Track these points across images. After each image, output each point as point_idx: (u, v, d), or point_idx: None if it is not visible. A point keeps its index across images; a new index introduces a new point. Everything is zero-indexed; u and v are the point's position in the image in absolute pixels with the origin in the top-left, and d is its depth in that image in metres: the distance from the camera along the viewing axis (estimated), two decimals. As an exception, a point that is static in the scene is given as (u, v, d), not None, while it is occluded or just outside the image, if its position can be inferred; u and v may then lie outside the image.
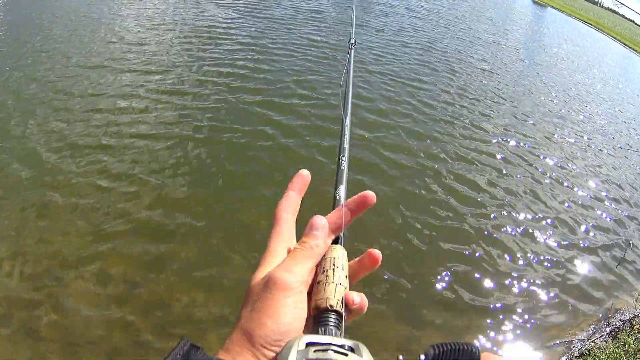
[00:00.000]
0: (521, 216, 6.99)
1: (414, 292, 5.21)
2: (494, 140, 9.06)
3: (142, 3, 17.33)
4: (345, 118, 1.44)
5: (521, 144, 9.29)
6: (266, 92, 9.10)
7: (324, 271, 0.89)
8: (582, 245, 6.83)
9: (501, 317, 5.20)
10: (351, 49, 2.53)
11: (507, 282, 5.72)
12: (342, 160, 1.22)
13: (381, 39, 14.37)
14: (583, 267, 6.40)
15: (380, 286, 5.18)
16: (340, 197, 1.07)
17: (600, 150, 10.65)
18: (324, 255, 0.93)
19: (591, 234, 7.20)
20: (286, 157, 7.15)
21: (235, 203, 6.12)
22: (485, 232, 6.40)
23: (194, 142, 7.30)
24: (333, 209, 1.04)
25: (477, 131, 9.28)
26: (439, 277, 5.48)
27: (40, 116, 8.23)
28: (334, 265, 0.91)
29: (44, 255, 5.13)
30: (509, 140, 9.33)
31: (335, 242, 0.98)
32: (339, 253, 0.94)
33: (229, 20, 14.29)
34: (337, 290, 0.83)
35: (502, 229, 6.57)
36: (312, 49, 11.99)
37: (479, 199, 7.05)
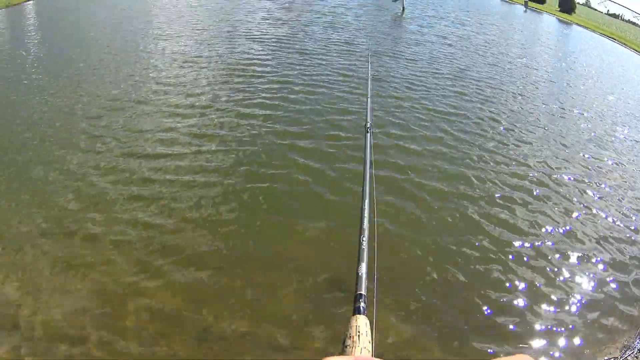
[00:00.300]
0: (561, 255, 6.24)
1: (452, 345, 4.66)
2: (530, 174, 8.23)
3: (173, 39, 17.28)
4: (364, 200, 1.62)
5: (558, 176, 8.42)
6: (300, 134, 8.60)
7: (350, 337, 1.03)
8: (617, 275, 6.13)
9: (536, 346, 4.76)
10: (367, 132, 2.60)
11: (542, 310, 5.20)
12: (362, 240, 1.35)
13: (413, 70, 13.78)
14: (616, 291, 5.80)
15: (417, 343, 4.61)
16: (362, 274, 1.20)
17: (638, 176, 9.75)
18: (349, 324, 1.06)
19: (628, 262, 6.46)
20: (319, 205, 6.60)
21: (268, 257, 5.56)
22: (525, 275, 5.70)
23: (226, 190, 6.83)
24: (356, 285, 1.19)
25: (512, 163, 8.53)
26: (476, 328, 4.90)
27: (65, 159, 7.93)
28: (358, 332, 1.04)
29: (63, 314, 4.66)
30: (546, 172, 8.47)
31: (357, 311, 1.10)
32: (362, 321, 1.06)
33: (262, 56, 13.99)
34: (363, 354, 0.96)
35: (542, 269, 5.87)
36: (344, 84, 11.49)
37: (517, 241, 6.31)
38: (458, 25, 22.24)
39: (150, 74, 12.16)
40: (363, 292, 1.17)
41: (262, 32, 18.39)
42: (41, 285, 5.02)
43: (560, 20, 44.68)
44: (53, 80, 11.93)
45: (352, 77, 12.21)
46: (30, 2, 49.65)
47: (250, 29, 19.15)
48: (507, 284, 5.48)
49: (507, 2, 44.08)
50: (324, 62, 13.49)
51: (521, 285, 5.50)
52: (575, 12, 45.67)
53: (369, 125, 2.73)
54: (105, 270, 5.27)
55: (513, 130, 10.07)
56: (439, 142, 8.96)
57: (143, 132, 8.63)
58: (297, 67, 12.80)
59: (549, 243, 6.38)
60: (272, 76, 11.84)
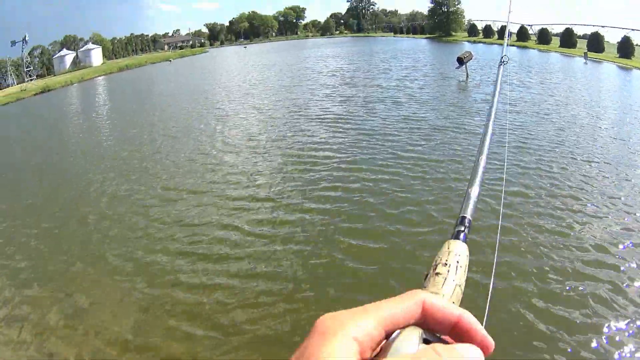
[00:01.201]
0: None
1: None
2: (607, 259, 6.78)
3: (234, 119, 17.68)
4: (489, 121, 1.66)
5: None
6: (365, 233, 7.94)
7: (446, 264, 0.74)
8: None
9: None
10: (501, 65, 2.71)
11: None
12: (479, 159, 1.20)
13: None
14: None
15: None
16: (472, 196, 1.03)
17: None
18: (444, 248, 0.80)
19: None
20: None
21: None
22: None
23: (289, 308, 6.34)
24: (462, 206, 0.99)
25: (583, 250, 7.11)
26: None
27: (119, 241, 7.95)
28: (457, 261, 0.75)
29: None
30: (622, 254, 6.96)
31: (457, 236, 0.85)
32: (462, 249, 0.79)
33: (325, 139, 13.94)
34: (455, 292, 0.69)
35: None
36: (411, 171, 10.84)
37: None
38: (522, 89, 21.40)
39: (209, 160, 12.26)
40: (468, 215, 0.96)
41: (325, 110, 18.43)
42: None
43: (620, 67, 42.72)
44: (112, 162, 12.41)
45: (416, 158, 11.72)
46: (101, 77, 53.79)
47: (312, 107, 19.29)
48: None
49: (566, 55, 42.75)
50: (387, 144, 13.13)
51: None
52: (634, 56, 43.59)
53: (504, 60, 2.96)
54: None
55: (585, 206, 8.72)
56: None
57: (196, 227, 8.48)
58: (361, 152, 12.49)
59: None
60: (335, 163, 11.52)
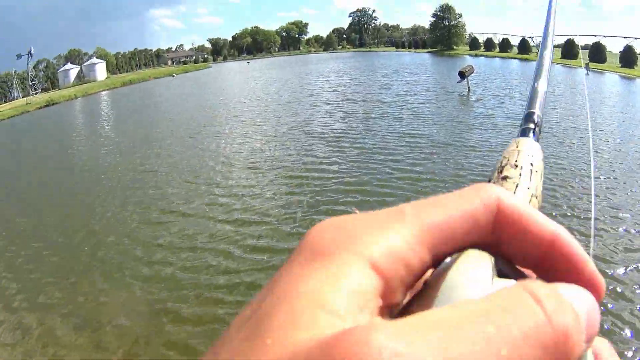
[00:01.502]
0: None
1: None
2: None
3: (234, 137, 17.54)
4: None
5: None
6: None
7: (516, 165, 0.52)
8: None
9: None
10: None
11: None
12: (544, 54, 0.84)
13: (476, 161, 12.78)
14: None
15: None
16: (540, 89, 0.72)
17: None
18: (511, 147, 0.57)
19: None
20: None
21: None
22: None
23: None
24: (529, 102, 0.69)
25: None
26: None
27: (108, 264, 7.74)
28: (531, 165, 0.52)
29: None
30: None
31: (524, 133, 0.62)
32: (536, 149, 0.56)
33: (325, 157, 13.64)
34: (532, 204, 0.47)
35: None
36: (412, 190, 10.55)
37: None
38: (523, 102, 21.20)
39: (205, 181, 12.07)
40: (537, 111, 0.67)
41: (325, 127, 18.29)
42: None
43: (622, 77, 42.52)
44: (108, 180, 12.38)
45: (415, 179, 11.32)
46: (105, 91, 54.58)
47: (312, 124, 19.18)
48: None
49: (568, 66, 42.58)
50: (387, 162, 12.83)
51: None
52: (637, 65, 43.33)
53: None
54: None
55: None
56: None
57: (189, 252, 8.23)
58: (360, 171, 12.20)
59: None
60: (333, 184, 11.23)
